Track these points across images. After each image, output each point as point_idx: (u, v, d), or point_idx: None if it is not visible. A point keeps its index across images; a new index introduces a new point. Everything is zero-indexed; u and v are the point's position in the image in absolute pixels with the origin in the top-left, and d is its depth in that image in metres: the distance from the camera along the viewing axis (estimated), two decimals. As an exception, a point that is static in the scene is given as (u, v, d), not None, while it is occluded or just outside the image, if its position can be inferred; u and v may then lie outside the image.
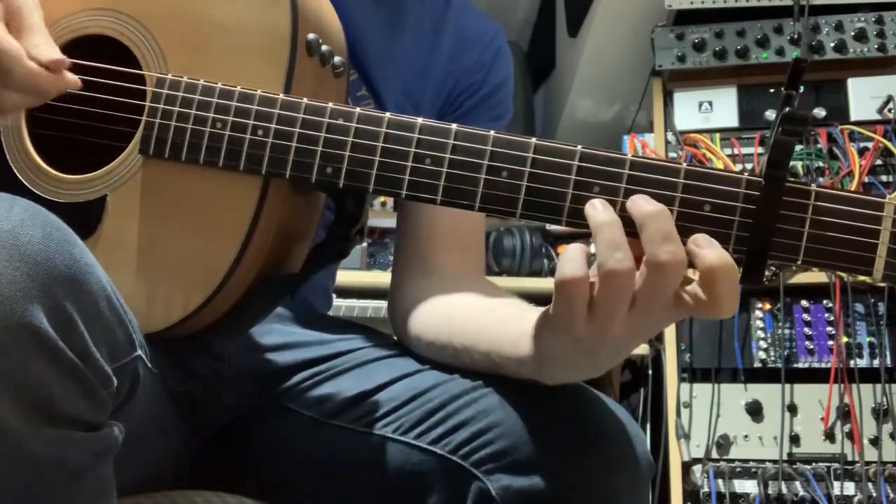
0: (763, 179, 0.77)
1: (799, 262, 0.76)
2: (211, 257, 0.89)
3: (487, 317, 0.99)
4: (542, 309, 0.85)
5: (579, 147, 0.81)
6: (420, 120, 0.86)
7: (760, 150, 2.26)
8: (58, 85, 0.86)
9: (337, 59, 0.96)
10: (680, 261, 0.74)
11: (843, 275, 2.11)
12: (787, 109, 0.75)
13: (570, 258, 0.76)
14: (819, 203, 0.76)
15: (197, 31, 0.94)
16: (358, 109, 0.87)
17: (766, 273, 0.78)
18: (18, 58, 0.83)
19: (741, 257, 0.77)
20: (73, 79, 0.88)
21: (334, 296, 1.39)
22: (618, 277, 0.75)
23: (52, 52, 0.85)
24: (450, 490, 0.90)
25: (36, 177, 0.96)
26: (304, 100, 0.89)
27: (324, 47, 0.94)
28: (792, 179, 0.76)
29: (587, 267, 0.76)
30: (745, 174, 0.78)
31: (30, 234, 0.69)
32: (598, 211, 0.78)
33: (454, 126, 0.84)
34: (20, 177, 0.96)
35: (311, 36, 0.93)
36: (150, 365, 0.86)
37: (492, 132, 0.83)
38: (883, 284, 2.08)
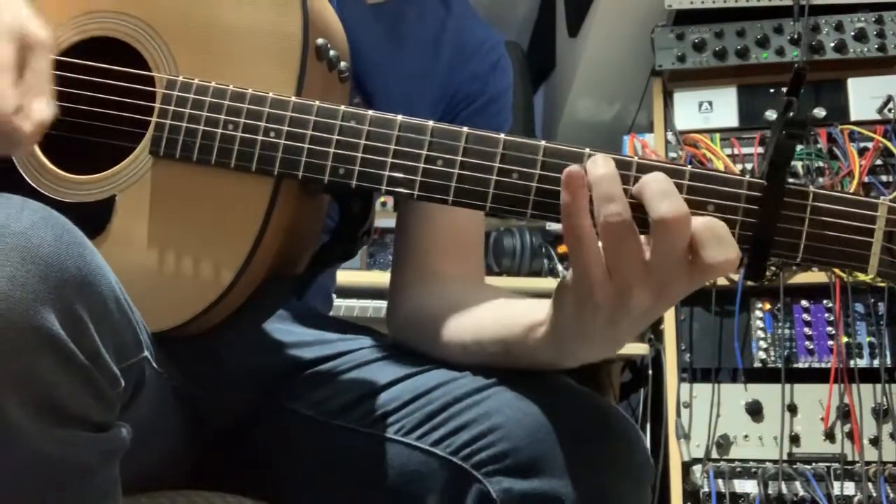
0: (765, 181, 0.80)
1: (798, 260, 0.79)
2: (221, 257, 0.90)
3: (498, 308, 1.00)
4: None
5: (587, 150, 0.82)
6: (431, 122, 0.87)
7: (760, 150, 2.26)
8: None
9: (343, 64, 0.98)
10: (682, 213, 0.76)
11: (840, 273, 2.13)
12: (791, 115, 0.77)
13: (575, 211, 0.78)
14: (817, 204, 0.79)
15: (207, 34, 0.94)
16: (370, 112, 0.89)
17: (767, 274, 0.79)
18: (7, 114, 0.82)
19: (744, 255, 0.80)
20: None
21: (334, 296, 1.39)
22: (613, 230, 0.77)
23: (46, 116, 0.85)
24: (451, 492, 0.91)
25: (42, 177, 0.96)
26: (317, 102, 0.90)
27: (331, 52, 0.96)
28: (791, 181, 0.79)
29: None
30: (747, 176, 0.81)
31: (41, 236, 0.69)
32: (596, 165, 0.79)
33: (465, 129, 0.86)
34: (26, 177, 0.96)
35: (319, 41, 0.94)
36: (155, 365, 0.86)
37: (502, 135, 0.85)
38: (879, 282, 2.09)
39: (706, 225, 0.77)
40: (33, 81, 0.84)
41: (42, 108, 0.83)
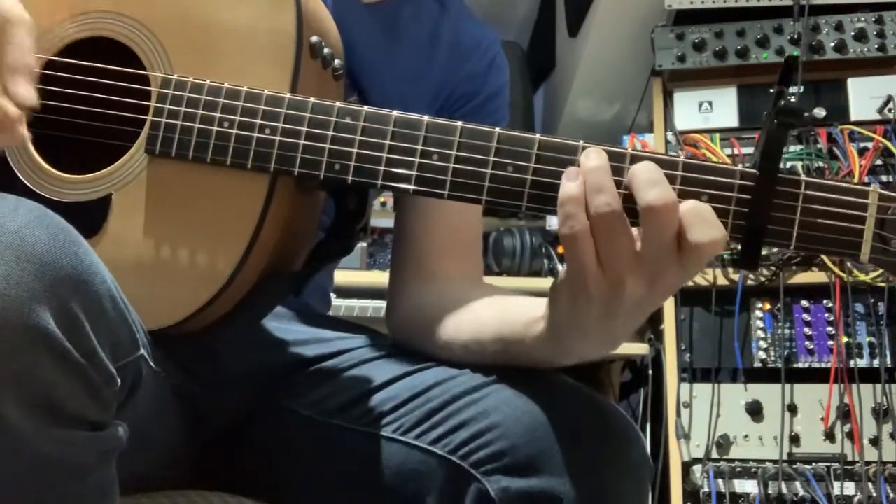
0: (757, 170, 0.80)
1: (792, 248, 0.81)
2: (218, 254, 0.90)
3: (496, 306, 1.00)
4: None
5: (581, 142, 0.83)
6: (426, 118, 0.88)
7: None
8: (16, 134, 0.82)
9: (337, 62, 0.99)
10: (670, 200, 0.77)
11: (840, 273, 2.12)
12: (782, 103, 0.78)
13: (569, 203, 0.79)
14: (809, 192, 0.80)
15: (202, 32, 0.95)
16: (365, 108, 0.89)
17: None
18: None
19: (738, 245, 0.81)
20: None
21: (334, 296, 1.39)
22: (603, 221, 0.77)
23: (29, 96, 0.83)
24: (449, 491, 0.90)
25: (38, 177, 0.96)
26: (312, 99, 0.90)
27: (326, 50, 0.96)
28: (784, 170, 0.80)
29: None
30: (740, 166, 0.82)
31: (36, 234, 0.69)
32: (589, 158, 0.81)
33: (460, 123, 0.87)
34: (21, 177, 0.96)
35: (314, 39, 0.94)
36: (152, 364, 0.86)
37: (497, 129, 0.85)
38: (880, 282, 2.09)
39: (690, 208, 0.78)
40: (13, 57, 0.82)
41: (26, 92, 0.81)
